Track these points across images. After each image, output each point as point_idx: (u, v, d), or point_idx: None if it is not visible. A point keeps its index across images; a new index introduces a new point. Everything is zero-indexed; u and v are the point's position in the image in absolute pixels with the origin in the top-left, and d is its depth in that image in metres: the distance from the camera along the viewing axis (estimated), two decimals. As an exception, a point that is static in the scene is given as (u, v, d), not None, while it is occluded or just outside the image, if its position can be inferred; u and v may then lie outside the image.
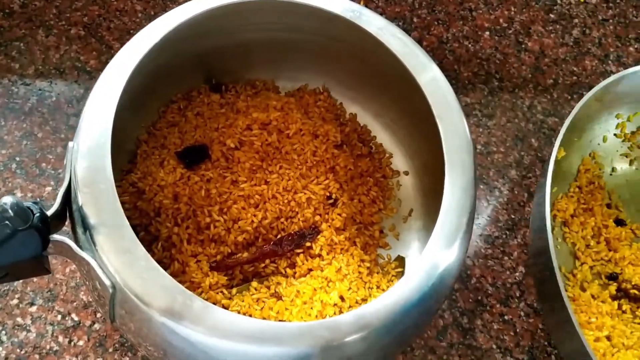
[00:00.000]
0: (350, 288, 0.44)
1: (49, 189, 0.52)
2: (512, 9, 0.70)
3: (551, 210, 0.54)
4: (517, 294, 0.53)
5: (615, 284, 0.53)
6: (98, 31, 0.61)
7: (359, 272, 0.45)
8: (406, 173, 0.53)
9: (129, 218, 0.36)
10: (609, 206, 0.57)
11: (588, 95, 0.52)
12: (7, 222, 0.33)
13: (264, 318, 0.41)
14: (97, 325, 0.47)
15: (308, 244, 0.46)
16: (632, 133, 0.59)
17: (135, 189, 0.45)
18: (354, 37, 0.46)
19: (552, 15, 0.70)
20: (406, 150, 0.54)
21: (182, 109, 0.51)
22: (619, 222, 0.56)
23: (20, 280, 0.48)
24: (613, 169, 0.59)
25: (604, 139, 0.59)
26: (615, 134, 0.59)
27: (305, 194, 0.48)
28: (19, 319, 0.47)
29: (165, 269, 0.37)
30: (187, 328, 0.33)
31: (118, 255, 0.34)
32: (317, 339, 0.34)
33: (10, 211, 0.33)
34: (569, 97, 0.65)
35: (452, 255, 0.38)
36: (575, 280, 0.53)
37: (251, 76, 0.54)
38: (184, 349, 0.34)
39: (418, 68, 0.44)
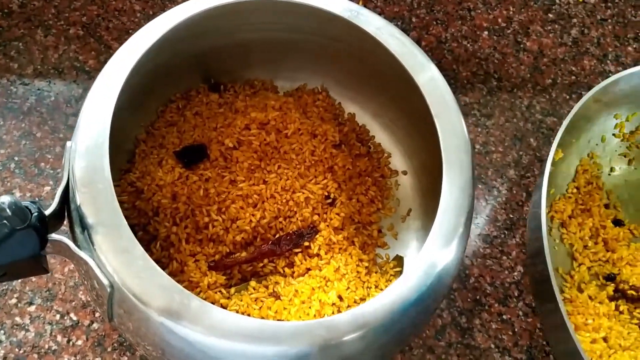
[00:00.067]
0: (348, 287, 0.44)
1: (47, 188, 0.52)
2: (511, 8, 0.70)
3: (549, 212, 0.54)
4: (516, 294, 0.53)
5: (612, 284, 0.53)
6: (97, 31, 0.61)
7: (357, 272, 0.45)
8: (405, 173, 0.53)
9: (127, 217, 0.36)
10: (607, 206, 0.57)
11: (586, 97, 0.52)
12: (5, 221, 0.33)
13: (262, 317, 0.41)
14: (95, 325, 0.47)
15: (306, 243, 0.46)
16: (631, 133, 0.59)
17: (134, 188, 0.45)
18: (352, 37, 0.46)
19: (550, 15, 0.70)
20: (405, 150, 0.54)
21: (180, 109, 0.51)
22: (617, 223, 0.56)
23: (19, 280, 0.48)
24: (611, 169, 0.59)
25: (603, 139, 0.59)
26: (614, 134, 0.59)
27: (303, 193, 0.48)
28: (17, 319, 0.47)
29: (164, 269, 0.37)
30: (186, 327, 0.33)
31: (116, 255, 0.34)
32: (315, 338, 0.34)
33: (8, 210, 0.33)
34: (568, 97, 0.65)
35: (450, 254, 0.38)
36: (572, 281, 0.53)
37: (250, 76, 0.54)
38: (182, 348, 0.34)
39: (416, 68, 0.44)
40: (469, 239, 0.49)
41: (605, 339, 0.48)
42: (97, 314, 0.48)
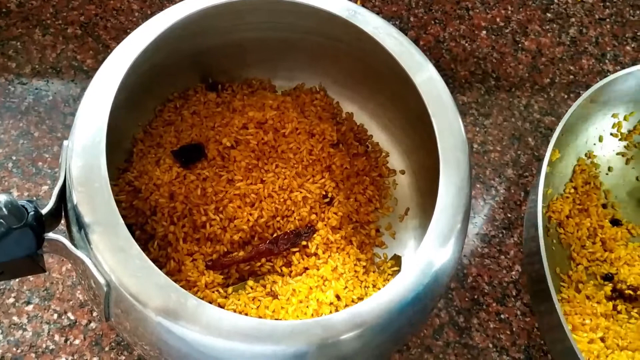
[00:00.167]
0: (346, 287, 0.44)
1: (45, 187, 0.52)
2: (509, 8, 0.70)
3: (546, 212, 0.54)
4: (514, 293, 0.53)
5: (610, 284, 0.53)
6: (95, 30, 0.61)
7: (355, 271, 0.45)
8: (402, 172, 0.53)
9: (125, 217, 0.36)
10: (604, 206, 0.57)
11: (583, 96, 0.52)
12: (1, 220, 0.33)
13: (259, 317, 0.41)
14: (93, 324, 0.47)
15: (304, 242, 0.46)
16: (629, 132, 0.59)
17: (132, 187, 0.45)
18: (350, 36, 0.46)
19: (548, 15, 0.70)
20: (402, 150, 0.54)
21: (178, 108, 0.51)
22: (615, 222, 0.56)
23: (17, 279, 0.48)
24: (609, 169, 0.59)
25: (600, 139, 0.59)
26: (611, 134, 0.59)
27: (301, 192, 0.48)
28: (15, 318, 0.47)
29: (161, 268, 0.37)
30: (183, 327, 0.33)
31: (112, 254, 0.34)
32: (313, 337, 0.34)
33: (4, 209, 0.33)
34: (566, 96, 0.65)
35: (447, 253, 0.38)
36: (570, 281, 0.53)
37: (247, 75, 0.54)
38: (179, 347, 0.34)
39: (414, 67, 0.44)
40: (466, 239, 0.49)
41: (602, 339, 0.48)
42: (94, 314, 0.48)
